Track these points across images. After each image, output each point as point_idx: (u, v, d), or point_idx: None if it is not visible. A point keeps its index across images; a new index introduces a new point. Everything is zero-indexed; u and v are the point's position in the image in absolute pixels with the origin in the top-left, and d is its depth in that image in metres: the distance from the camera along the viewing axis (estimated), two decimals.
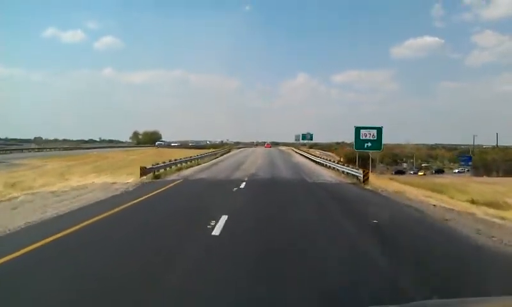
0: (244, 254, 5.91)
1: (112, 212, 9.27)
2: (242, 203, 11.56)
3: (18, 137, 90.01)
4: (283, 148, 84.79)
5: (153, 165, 19.39)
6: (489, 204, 16.98)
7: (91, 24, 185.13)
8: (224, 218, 8.26)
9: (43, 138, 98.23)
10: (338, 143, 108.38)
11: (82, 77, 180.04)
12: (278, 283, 4.63)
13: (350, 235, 7.52)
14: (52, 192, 14.17)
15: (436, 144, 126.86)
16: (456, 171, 78.82)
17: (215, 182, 17.46)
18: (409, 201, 13.53)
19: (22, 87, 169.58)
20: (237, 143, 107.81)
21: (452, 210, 12.39)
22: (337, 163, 27.79)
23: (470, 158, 64.55)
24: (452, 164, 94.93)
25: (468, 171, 66.30)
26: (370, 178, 18.24)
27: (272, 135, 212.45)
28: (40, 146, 63.52)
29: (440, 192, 23.74)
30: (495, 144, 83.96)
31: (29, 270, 4.94)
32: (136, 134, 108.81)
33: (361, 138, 23.98)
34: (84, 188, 15.17)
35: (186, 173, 21.81)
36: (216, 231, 7.11)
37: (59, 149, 57.89)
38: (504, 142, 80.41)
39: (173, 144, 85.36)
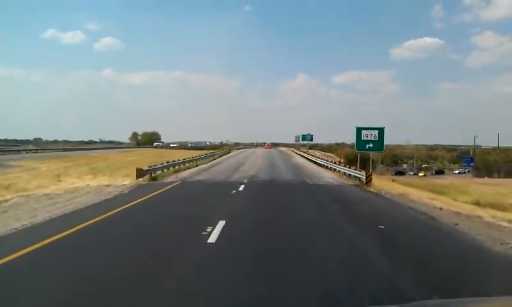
0: (241, 266, 5.42)
1: (104, 216, 8.80)
2: (240, 206, 11.07)
3: (18, 138, 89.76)
4: (283, 148, 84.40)
5: (150, 166, 18.92)
6: (493, 206, 16.62)
7: (91, 25, 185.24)
8: (221, 223, 7.80)
9: (43, 139, 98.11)
10: (338, 144, 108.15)
11: (82, 77, 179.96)
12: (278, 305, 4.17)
13: (356, 244, 6.96)
14: (46, 195, 13.77)
15: (435, 144, 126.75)
16: (456, 172, 78.48)
17: (213, 184, 16.99)
18: (414, 203, 13.09)
19: (21, 87, 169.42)
20: (237, 144, 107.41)
21: (459, 213, 11.98)
22: (337, 164, 27.37)
23: (472, 159, 64.10)
24: (452, 164, 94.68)
25: (468, 172, 65.86)
26: (372, 179, 17.76)
27: (272, 136, 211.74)
28: (39, 147, 63.01)
29: (443, 193, 23.34)
30: (494, 145, 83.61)
31: (11, 279, 4.65)
32: (135, 135, 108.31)
33: (362, 139, 23.46)
34: (78, 191, 14.76)
35: (184, 174, 21.33)
36: (212, 238, 6.62)
37: (57, 150, 57.34)
38: (504, 143, 80.00)
39: (171, 145, 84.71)
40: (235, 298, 4.23)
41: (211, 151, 49.48)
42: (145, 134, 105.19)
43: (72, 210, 9.80)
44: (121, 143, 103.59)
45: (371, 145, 23.45)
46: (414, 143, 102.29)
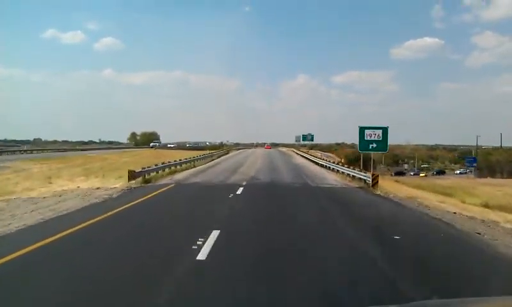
0: (235, 291, 4.44)
1: (82, 226, 7.81)
2: (237, 213, 10.09)
3: (17, 138, 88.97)
4: (283, 149, 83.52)
5: (143, 168, 17.95)
6: (504, 208, 15.91)
7: (91, 25, 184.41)
8: (214, 234, 6.84)
9: (43, 139, 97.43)
10: (338, 144, 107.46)
11: (82, 77, 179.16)
12: None
13: (372, 261, 5.82)
14: (31, 199, 12.93)
15: (436, 144, 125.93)
16: (458, 172, 77.70)
17: (210, 187, 16.02)
18: (424, 208, 12.15)
19: (21, 87, 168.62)
20: (237, 144, 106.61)
21: (474, 218, 11.11)
22: (338, 164, 26.46)
23: (474, 159, 63.09)
24: (453, 164, 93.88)
25: (470, 172, 64.92)
26: (379, 181, 16.78)
27: (272, 136, 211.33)
28: (37, 147, 62.10)
29: (449, 195, 22.53)
30: (494, 145, 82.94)
31: None
32: (133, 135, 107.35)
33: (365, 139, 22.54)
34: (67, 194, 13.92)
35: (180, 176, 20.35)
36: (202, 255, 5.61)
37: (53, 150, 56.33)
38: (505, 143, 79.21)
39: (169, 145, 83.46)
40: None
41: (210, 151, 48.57)
42: (144, 134, 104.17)
43: (51, 218, 8.85)
44: (121, 143, 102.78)
45: (375, 145, 22.53)
46: (414, 143, 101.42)
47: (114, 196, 12.91)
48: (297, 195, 14.26)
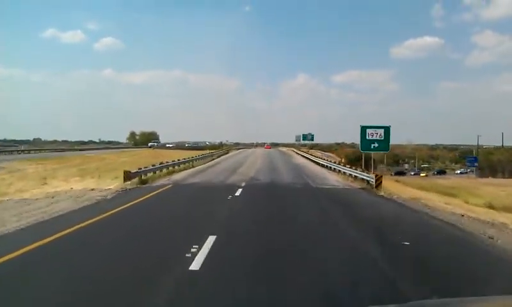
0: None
1: (69, 230, 7.32)
2: (236, 215, 9.61)
3: (17, 138, 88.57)
4: (284, 148, 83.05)
5: (139, 168, 17.46)
6: (509, 209, 15.58)
7: (91, 25, 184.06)
8: (211, 240, 6.36)
9: (43, 139, 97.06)
10: (338, 144, 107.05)
11: (82, 77, 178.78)
12: None
13: (386, 274, 5.22)
14: (22, 200, 12.50)
15: (436, 144, 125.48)
16: (458, 171, 77.32)
17: (208, 188, 15.52)
18: (430, 209, 11.66)
19: (21, 87, 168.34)
20: (237, 144, 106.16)
21: (482, 220, 10.63)
22: (339, 164, 25.99)
23: (476, 159, 62.59)
24: (453, 164, 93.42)
25: (471, 171, 64.46)
26: (382, 182, 16.25)
27: (272, 136, 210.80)
28: (36, 147, 61.63)
29: (452, 195, 22.11)
30: (495, 144, 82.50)
31: None
32: (132, 135, 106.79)
33: (367, 138, 22.09)
34: (60, 195, 13.48)
35: (178, 176, 19.86)
36: (196, 264, 5.11)
37: (51, 150, 55.78)
38: (505, 142, 78.78)
39: (168, 145, 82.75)
40: None
41: (209, 151, 48.12)
42: (143, 134, 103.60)
43: (39, 221, 8.37)
44: (120, 143, 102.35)
45: (376, 145, 22.12)
46: (415, 143, 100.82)
47: (108, 197, 12.44)
48: (298, 196, 13.79)
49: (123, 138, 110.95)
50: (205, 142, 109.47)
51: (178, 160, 25.41)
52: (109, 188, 14.69)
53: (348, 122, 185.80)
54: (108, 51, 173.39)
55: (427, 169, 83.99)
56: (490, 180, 50.32)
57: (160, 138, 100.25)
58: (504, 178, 55.43)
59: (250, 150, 72.13)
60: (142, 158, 36.88)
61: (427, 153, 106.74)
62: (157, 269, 5.02)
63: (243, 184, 16.26)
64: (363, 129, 22.03)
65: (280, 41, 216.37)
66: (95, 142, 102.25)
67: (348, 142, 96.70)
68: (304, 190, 15.55)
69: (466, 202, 17.80)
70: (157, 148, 68.65)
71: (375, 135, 22.22)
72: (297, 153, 56.79)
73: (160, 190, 14.40)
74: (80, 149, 62.31)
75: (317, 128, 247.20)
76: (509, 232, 8.99)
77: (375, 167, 31.21)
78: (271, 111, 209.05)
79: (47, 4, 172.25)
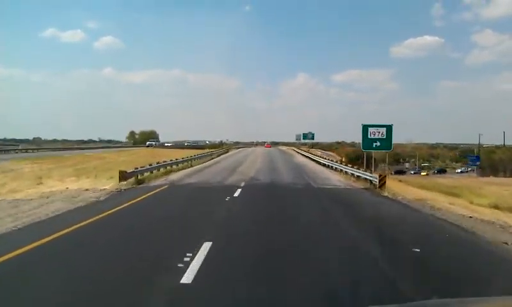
0: None
1: (58, 234, 6.86)
2: (234, 219, 9.12)
3: (17, 138, 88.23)
4: (284, 147, 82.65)
5: (135, 168, 16.98)
6: None
7: (90, 24, 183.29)
8: (206, 247, 5.87)
9: (43, 138, 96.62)
10: (338, 143, 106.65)
11: (82, 76, 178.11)
12: None
13: (391, 282, 4.83)
14: (14, 201, 12.07)
15: (437, 143, 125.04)
16: (459, 170, 76.93)
17: (206, 189, 15.02)
18: (437, 211, 11.19)
19: (21, 87, 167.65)
20: (237, 143, 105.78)
21: (492, 222, 10.18)
22: (340, 164, 25.53)
23: (478, 158, 62.09)
24: (454, 163, 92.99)
25: (472, 170, 64.00)
26: (386, 182, 15.75)
27: (272, 135, 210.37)
28: (34, 146, 61.14)
29: (455, 195, 21.65)
30: (495, 143, 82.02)
31: None
32: (132, 134, 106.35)
33: (369, 137, 21.67)
34: (54, 195, 13.07)
35: (175, 176, 19.37)
36: (189, 276, 4.60)
37: (49, 149, 55.24)
38: (501, 141, 78.36)
39: (166, 144, 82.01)
40: None
41: (209, 150, 47.65)
42: (143, 133, 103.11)
43: (25, 225, 7.88)
44: (121, 142, 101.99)
45: (378, 144, 21.70)
46: (415, 142, 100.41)
47: (102, 198, 11.97)
48: (300, 196, 13.35)
49: (123, 137, 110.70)
50: (205, 141, 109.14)
51: (176, 159, 24.93)
52: (104, 189, 14.23)
53: (348, 121, 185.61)
54: (108, 50, 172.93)
55: (428, 168, 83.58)
56: (492, 179, 49.81)
57: (160, 137, 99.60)
58: (505, 177, 54.94)
59: (250, 149, 71.72)
60: (141, 157, 36.35)
61: (428, 152, 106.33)
62: (145, 282, 4.50)
63: (242, 184, 15.78)
64: (365, 128, 21.60)
65: (280, 41, 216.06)
66: (94, 142, 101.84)
67: (348, 141, 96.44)
68: (306, 191, 15.04)
69: (471, 202, 17.37)
70: (156, 147, 67.90)
71: (377, 134, 21.82)
72: (297, 152, 56.38)
73: (156, 191, 13.91)
74: (79, 148, 61.77)
75: (318, 128, 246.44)
76: None
77: (376, 166, 30.87)
78: (271, 111, 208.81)
79: (47, 4, 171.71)
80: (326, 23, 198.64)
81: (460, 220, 9.84)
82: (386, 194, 14.37)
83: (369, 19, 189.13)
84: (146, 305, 3.93)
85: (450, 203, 14.68)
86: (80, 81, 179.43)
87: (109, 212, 9.43)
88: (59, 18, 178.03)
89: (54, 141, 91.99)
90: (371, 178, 16.43)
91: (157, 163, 20.67)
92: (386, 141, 21.97)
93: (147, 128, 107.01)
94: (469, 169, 66.95)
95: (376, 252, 6.07)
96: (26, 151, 47.59)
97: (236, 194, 12.93)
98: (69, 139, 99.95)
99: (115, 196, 12.45)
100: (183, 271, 4.77)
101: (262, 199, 12.80)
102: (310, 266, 5.46)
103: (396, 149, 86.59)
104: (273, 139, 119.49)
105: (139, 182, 16.11)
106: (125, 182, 15.24)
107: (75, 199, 11.76)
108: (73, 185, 16.44)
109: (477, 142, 73.02)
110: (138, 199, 11.81)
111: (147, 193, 13.06)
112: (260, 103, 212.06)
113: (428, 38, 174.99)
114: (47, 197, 12.55)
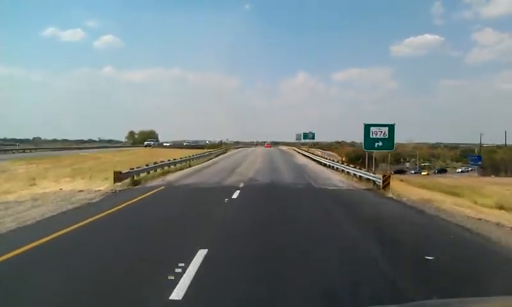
0: None
1: (45, 240, 6.42)
2: (232, 223, 8.64)
3: (17, 138, 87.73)
4: (284, 147, 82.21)
5: (131, 169, 16.52)
6: None
7: (90, 23, 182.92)
8: (200, 255, 5.42)
9: (42, 138, 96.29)
10: (338, 142, 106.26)
11: (82, 76, 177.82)
12: None
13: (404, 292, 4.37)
14: (3, 203, 11.60)
15: (437, 142, 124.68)
16: (459, 170, 76.55)
17: (203, 190, 14.55)
18: (444, 213, 10.72)
19: (21, 87, 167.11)
20: (237, 143, 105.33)
21: (501, 225, 9.73)
22: (342, 164, 25.09)
23: (479, 158, 61.68)
24: (454, 163, 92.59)
25: (472, 170, 63.61)
26: (390, 183, 15.25)
27: (272, 135, 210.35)
28: (34, 146, 60.70)
29: (457, 195, 21.25)
30: (496, 142, 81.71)
31: None
32: (131, 134, 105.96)
33: (371, 136, 21.22)
34: (47, 197, 12.65)
35: (172, 177, 18.90)
36: (179, 290, 4.12)
37: (47, 149, 54.79)
38: (501, 140, 78.10)
39: (165, 144, 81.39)
40: None
41: (208, 150, 47.22)
42: (142, 133, 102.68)
43: (11, 229, 7.45)
44: (121, 142, 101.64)
45: (380, 144, 21.26)
46: (415, 141, 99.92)
47: (95, 200, 11.50)
48: (301, 196, 12.92)
49: (122, 137, 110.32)
50: (204, 141, 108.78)
51: (174, 159, 24.47)
52: (99, 190, 13.79)
53: (348, 121, 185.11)
54: (108, 49, 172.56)
55: (428, 168, 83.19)
56: (493, 178, 49.50)
57: (159, 137, 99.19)
58: (506, 176, 54.57)
59: (250, 149, 71.26)
60: (139, 157, 35.89)
61: (428, 151, 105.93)
62: (130, 300, 4.02)
63: (241, 185, 15.32)
64: (367, 127, 21.16)
65: (280, 40, 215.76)
66: (94, 141, 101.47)
67: (348, 140, 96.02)
68: (308, 191, 14.57)
69: (475, 202, 16.97)
70: (154, 147, 67.27)
71: (379, 133, 21.38)
72: (298, 152, 55.97)
73: (152, 192, 13.44)
74: (77, 148, 61.31)
75: (318, 127, 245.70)
76: None
77: (376, 166, 30.48)
78: (271, 110, 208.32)
79: (47, 3, 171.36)
80: (326, 22, 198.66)
81: (467, 221, 9.40)
82: (390, 195, 13.89)
83: (369, 18, 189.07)
84: None
85: (456, 204, 14.23)
86: (80, 80, 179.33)
87: (100, 215, 8.95)
88: (59, 17, 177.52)
89: (54, 140, 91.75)
90: (374, 179, 15.97)
91: (154, 163, 20.21)
92: (389, 141, 21.54)
93: (147, 128, 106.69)
94: (470, 168, 66.55)
95: (387, 259, 5.60)
96: (24, 151, 47.15)
97: (235, 196, 12.46)
98: (69, 139, 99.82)
99: (110, 198, 12.00)
100: (174, 284, 4.28)
101: (261, 199, 12.42)
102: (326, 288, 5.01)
103: (396, 148, 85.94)
104: (273, 138, 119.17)
105: (135, 183, 15.65)
106: (120, 183, 14.77)
107: (68, 202, 11.30)
108: (67, 185, 16.01)
109: (478, 142, 72.82)
110: (133, 200, 11.34)
111: (142, 195, 12.59)
112: (260, 102, 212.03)
113: (428, 37, 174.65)
114: (37, 200, 12.13)
